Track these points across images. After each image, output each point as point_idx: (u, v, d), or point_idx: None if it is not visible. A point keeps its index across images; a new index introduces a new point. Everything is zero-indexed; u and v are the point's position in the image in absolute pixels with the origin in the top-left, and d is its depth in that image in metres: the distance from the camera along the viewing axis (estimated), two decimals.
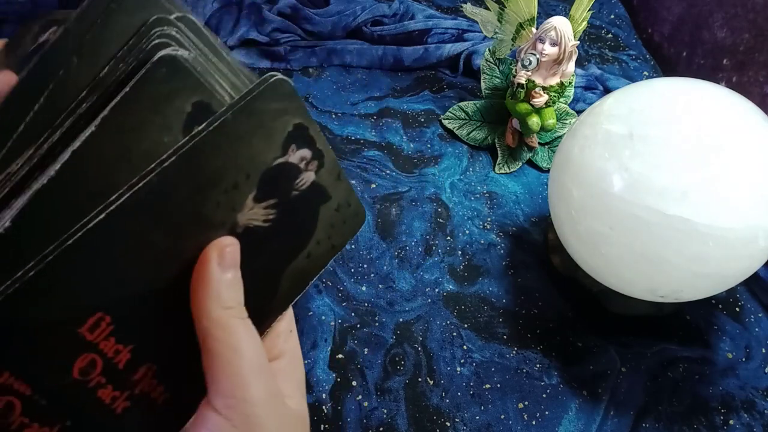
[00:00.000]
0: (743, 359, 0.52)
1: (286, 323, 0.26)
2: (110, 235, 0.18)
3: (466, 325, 0.52)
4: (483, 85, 0.68)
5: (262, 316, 0.23)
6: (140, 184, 0.18)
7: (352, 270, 0.56)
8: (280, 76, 0.21)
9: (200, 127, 0.20)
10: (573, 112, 0.68)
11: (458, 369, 0.50)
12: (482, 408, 0.48)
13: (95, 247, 0.18)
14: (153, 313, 0.20)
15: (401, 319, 0.53)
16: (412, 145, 0.68)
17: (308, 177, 0.23)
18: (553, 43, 0.57)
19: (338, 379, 0.48)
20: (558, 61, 0.58)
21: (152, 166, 0.19)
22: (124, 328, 0.19)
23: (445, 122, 0.69)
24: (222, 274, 0.21)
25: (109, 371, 0.19)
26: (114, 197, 0.18)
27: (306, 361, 0.49)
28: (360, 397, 0.48)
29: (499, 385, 0.49)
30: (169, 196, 0.19)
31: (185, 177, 0.19)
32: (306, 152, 0.23)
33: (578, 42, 0.57)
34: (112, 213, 0.18)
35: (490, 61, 0.67)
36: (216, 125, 0.20)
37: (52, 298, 0.18)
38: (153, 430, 0.21)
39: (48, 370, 0.18)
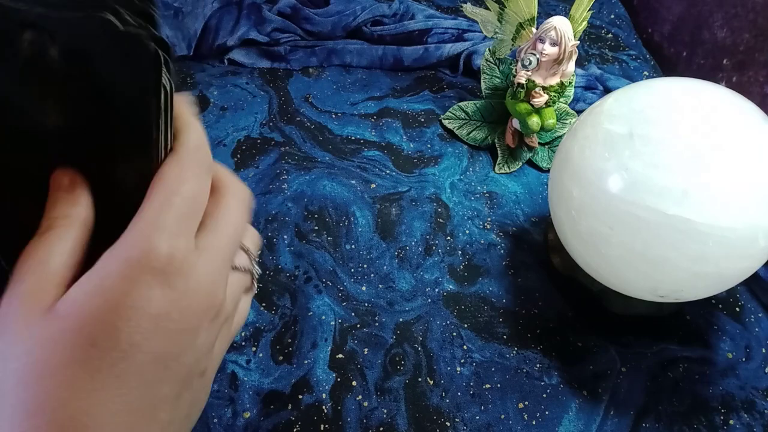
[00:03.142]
0: (743, 359, 0.52)
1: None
2: None
3: (466, 325, 0.53)
4: (483, 85, 0.68)
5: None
6: None
7: (352, 270, 0.56)
8: None
9: None
10: (573, 112, 0.68)
11: (458, 369, 0.50)
12: (482, 408, 0.48)
13: None
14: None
15: (401, 319, 0.53)
16: (412, 145, 0.68)
17: (53, 53, 0.20)
18: (553, 43, 0.57)
19: (338, 379, 0.48)
20: (558, 61, 0.58)
21: None
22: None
23: (445, 122, 0.69)
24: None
25: None
26: None
27: (306, 361, 0.49)
28: (360, 397, 0.48)
29: (499, 385, 0.49)
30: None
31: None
32: (28, 35, 0.20)
33: (578, 42, 0.57)
34: None
35: (490, 61, 0.67)
36: None
37: None
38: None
39: None
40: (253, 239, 0.28)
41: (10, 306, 0.20)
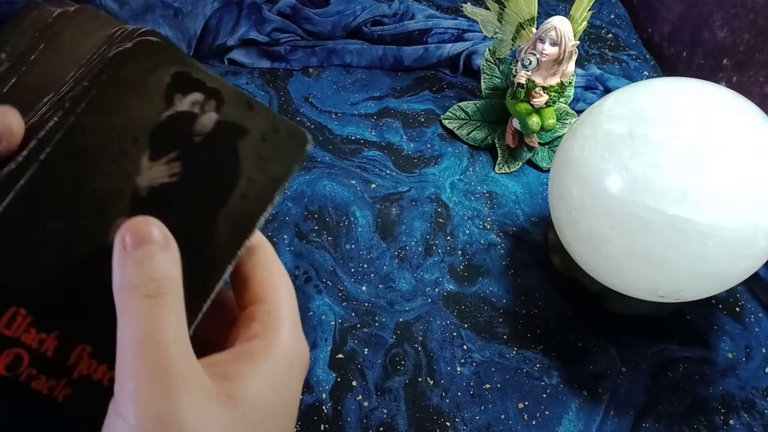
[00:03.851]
0: (743, 359, 0.52)
1: (266, 306, 0.23)
2: (2, 233, 0.19)
3: (466, 325, 0.53)
4: (483, 85, 0.68)
5: (205, 267, 0.22)
6: (22, 181, 0.19)
7: (352, 270, 0.56)
8: (143, 33, 0.21)
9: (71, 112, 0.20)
10: (573, 112, 0.68)
11: (458, 369, 0.50)
12: (482, 408, 0.48)
13: None
14: (73, 296, 0.20)
15: (401, 319, 0.53)
16: (412, 145, 0.68)
17: (209, 118, 0.22)
18: (553, 43, 0.57)
19: (338, 379, 0.48)
20: (558, 61, 0.58)
21: (27, 157, 0.19)
22: (43, 317, 0.20)
23: (445, 122, 0.69)
24: (125, 257, 0.19)
25: (38, 362, 0.19)
26: None
27: None
28: (360, 397, 0.48)
29: (499, 385, 0.49)
30: (52, 184, 0.20)
31: (64, 162, 0.20)
32: (196, 96, 0.22)
33: (578, 42, 0.57)
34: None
35: (490, 61, 0.67)
36: (83, 107, 0.20)
37: None
38: (104, 411, 0.20)
39: None
40: None
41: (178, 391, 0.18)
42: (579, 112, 0.69)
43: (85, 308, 0.20)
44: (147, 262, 0.19)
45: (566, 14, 0.58)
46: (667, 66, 0.86)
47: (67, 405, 0.20)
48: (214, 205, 0.23)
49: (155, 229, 0.20)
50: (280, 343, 0.22)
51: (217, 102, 0.22)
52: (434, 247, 0.58)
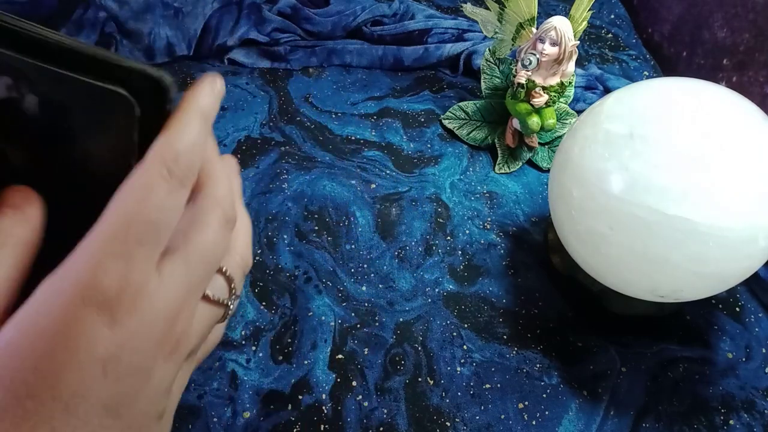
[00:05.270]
0: (743, 359, 0.52)
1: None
2: None
3: (466, 325, 0.53)
4: (483, 85, 0.68)
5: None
6: None
7: (352, 270, 0.56)
8: None
9: None
10: (573, 112, 0.68)
11: (458, 369, 0.50)
12: (482, 408, 0.48)
13: None
14: None
15: (401, 319, 0.53)
16: (412, 145, 0.68)
17: (30, 100, 0.19)
18: (553, 43, 0.57)
19: (338, 379, 0.48)
20: (558, 61, 0.58)
21: None
22: None
23: (445, 122, 0.69)
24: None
25: None
26: None
27: (306, 362, 0.49)
28: (360, 397, 0.48)
29: (499, 385, 0.49)
30: None
31: None
32: (4, 80, 0.18)
33: (578, 42, 0.57)
34: None
35: (490, 61, 0.67)
36: None
37: None
38: None
39: None
40: (240, 263, 0.24)
41: None
42: (579, 112, 0.69)
43: None
44: None
45: (566, 14, 0.58)
46: (667, 66, 0.86)
47: None
48: (69, 173, 0.20)
49: (12, 193, 0.20)
50: (61, 274, 0.18)
51: (30, 81, 0.18)
52: (434, 247, 0.58)
